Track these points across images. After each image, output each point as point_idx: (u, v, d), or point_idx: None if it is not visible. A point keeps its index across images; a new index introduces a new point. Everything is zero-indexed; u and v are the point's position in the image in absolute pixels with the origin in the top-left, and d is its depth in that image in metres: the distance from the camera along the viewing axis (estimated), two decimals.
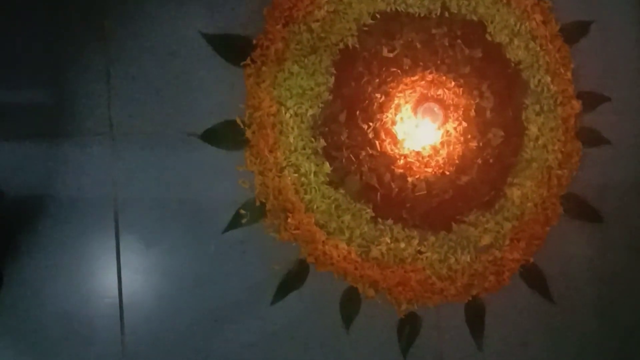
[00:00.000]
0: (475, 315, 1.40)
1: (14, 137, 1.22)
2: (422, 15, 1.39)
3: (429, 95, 1.38)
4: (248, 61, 1.32)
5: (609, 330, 1.47)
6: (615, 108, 1.51)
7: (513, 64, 1.43)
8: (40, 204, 1.22)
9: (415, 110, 1.36)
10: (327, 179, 1.34)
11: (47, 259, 1.23)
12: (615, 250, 1.49)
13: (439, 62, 1.39)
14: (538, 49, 1.44)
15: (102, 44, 1.26)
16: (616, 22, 1.52)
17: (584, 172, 1.49)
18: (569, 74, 1.46)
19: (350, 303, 1.36)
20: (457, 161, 1.39)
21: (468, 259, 1.40)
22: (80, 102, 1.25)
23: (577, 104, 1.45)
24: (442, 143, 1.38)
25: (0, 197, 1.19)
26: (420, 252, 1.38)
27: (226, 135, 1.30)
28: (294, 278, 1.33)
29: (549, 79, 1.44)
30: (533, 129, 1.43)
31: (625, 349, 1.46)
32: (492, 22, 1.42)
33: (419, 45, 1.37)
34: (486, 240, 1.40)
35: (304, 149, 1.32)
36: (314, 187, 1.32)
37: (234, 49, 1.31)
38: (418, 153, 1.37)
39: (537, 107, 1.44)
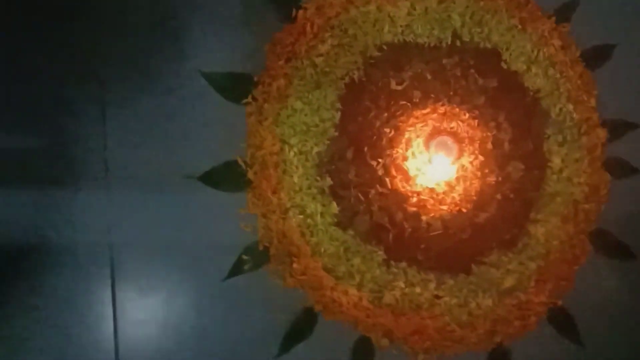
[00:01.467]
0: None
1: (6, 183, 1.19)
2: (431, 45, 1.33)
3: (442, 128, 1.31)
4: (249, 99, 1.28)
5: None
6: None
7: (532, 93, 1.36)
8: (33, 253, 1.19)
9: (427, 144, 1.29)
10: (335, 220, 1.27)
11: (39, 310, 1.19)
12: None
13: (451, 93, 1.32)
14: (558, 75, 1.37)
15: (98, 87, 1.23)
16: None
17: (613, 205, 1.39)
18: (592, 100, 1.39)
19: (363, 354, 1.29)
20: (474, 197, 1.32)
21: (490, 303, 1.31)
22: (76, 146, 1.22)
23: (602, 133, 1.37)
24: (457, 179, 1.31)
25: None
26: (437, 297, 1.29)
27: (227, 177, 1.26)
28: (300, 328, 1.26)
29: (571, 107, 1.37)
30: (556, 161, 1.35)
31: None
32: (507, 50, 1.36)
33: (429, 77, 1.31)
34: (509, 282, 1.32)
35: (310, 188, 1.26)
36: (321, 229, 1.26)
37: (235, 86, 1.28)
38: (432, 190, 1.31)
39: (560, 137, 1.36)
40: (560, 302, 1.34)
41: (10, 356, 1.16)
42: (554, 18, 1.39)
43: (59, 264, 1.19)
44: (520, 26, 1.37)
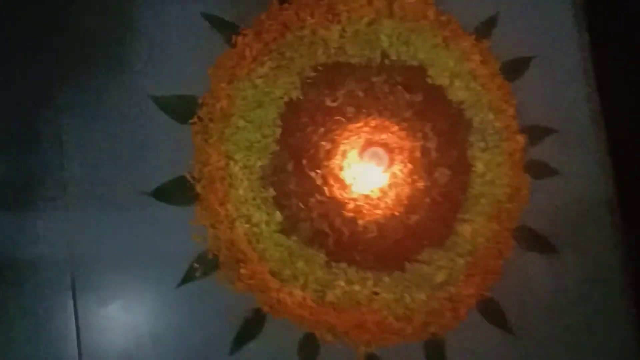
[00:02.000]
0: (435, 352, 1.43)
1: None
2: (362, 64, 1.44)
3: (374, 140, 1.42)
4: (195, 119, 1.37)
5: (569, 355, 1.49)
6: (562, 139, 1.55)
7: (455, 104, 1.47)
8: None
9: (361, 155, 1.40)
10: (279, 228, 1.37)
11: (5, 324, 1.26)
12: (570, 279, 1.51)
13: (381, 108, 1.44)
14: (479, 88, 1.49)
15: (53, 112, 1.32)
16: (557, 55, 1.57)
17: (535, 204, 1.51)
18: (511, 109, 1.51)
19: (308, 349, 1.38)
20: (405, 202, 1.43)
21: (424, 297, 1.42)
22: (34, 170, 1.31)
23: (521, 139, 1.49)
24: (389, 185, 1.42)
25: None
26: (375, 294, 1.40)
27: (177, 192, 1.35)
28: (250, 327, 1.36)
29: (492, 116, 1.49)
30: (480, 166, 1.47)
31: None
32: (432, 66, 1.47)
33: (361, 94, 1.43)
34: (440, 277, 1.43)
35: (255, 199, 1.36)
36: (266, 237, 1.36)
37: (181, 108, 1.37)
38: (367, 196, 1.41)
39: (482, 144, 1.48)
40: (488, 294, 1.45)
41: None
42: (474, 35, 1.51)
43: (21, 280, 1.27)
44: (443, 44, 1.48)
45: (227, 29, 1.41)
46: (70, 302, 1.29)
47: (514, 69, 1.54)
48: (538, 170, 1.53)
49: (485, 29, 1.53)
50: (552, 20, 1.58)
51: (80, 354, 1.29)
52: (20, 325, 1.26)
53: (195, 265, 1.34)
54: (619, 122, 1.58)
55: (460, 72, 1.48)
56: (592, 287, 1.51)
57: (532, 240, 1.50)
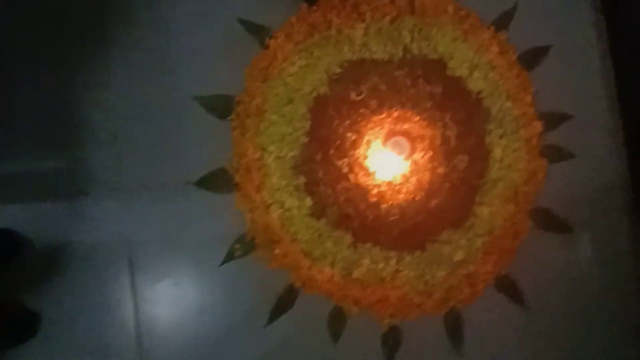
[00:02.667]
0: (453, 325, 1.55)
1: (39, 198, 1.46)
2: (385, 59, 1.54)
3: (396, 130, 1.53)
4: (233, 116, 1.52)
5: (582, 332, 1.57)
6: (578, 124, 1.60)
7: (474, 94, 1.56)
8: (64, 253, 1.46)
9: (384, 144, 1.52)
10: (309, 212, 1.51)
11: (74, 298, 1.46)
12: (584, 258, 1.59)
13: (403, 99, 1.54)
14: (497, 77, 1.58)
15: (108, 113, 1.50)
16: (573, 45, 1.62)
17: (552, 186, 1.59)
18: (529, 97, 1.59)
19: (336, 320, 1.52)
20: (426, 186, 1.54)
21: (443, 274, 1.54)
22: (93, 164, 1.49)
23: (538, 125, 1.58)
24: (411, 171, 1.54)
25: (31, 249, 1.43)
26: (398, 271, 1.53)
27: (218, 181, 1.51)
28: (284, 301, 1.51)
29: (509, 104, 1.57)
30: (497, 151, 1.56)
31: (597, 350, 1.57)
32: (452, 58, 1.56)
33: (383, 87, 1.54)
34: (459, 256, 1.54)
35: (287, 186, 1.51)
36: (298, 220, 1.51)
37: (221, 106, 1.52)
38: (389, 183, 1.53)
39: (500, 131, 1.57)
40: (505, 271, 1.56)
41: (54, 334, 1.45)
42: (492, 27, 1.59)
43: (84, 261, 1.47)
44: (462, 37, 1.57)
45: (260, 32, 1.53)
46: (128, 280, 1.47)
47: (531, 58, 1.61)
48: (554, 154, 1.60)
49: (503, 21, 1.60)
50: (568, 10, 1.63)
51: (137, 323, 1.47)
52: (85, 300, 1.45)
53: (236, 246, 1.49)
54: (635, 108, 1.62)
55: (479, 63, 1.57)
56: (604, 266, 1.59)
57: (548, 220, 1.59)
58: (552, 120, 1.60)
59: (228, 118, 1.52)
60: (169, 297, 1.49)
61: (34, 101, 1.50)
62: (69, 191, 1.48)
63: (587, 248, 1.60)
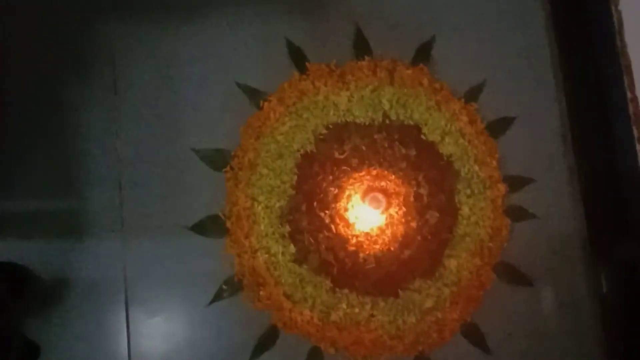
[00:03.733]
0: None
1: (46, 235, 1.60)
2: (366, 123, 1.72)
3: (374, 186, 1.67)
4: (228, 168, 1.67)
5: None
6: (539, 187, 1.75)
7: (445, 157, 1.72)
8: (66, 286, 1.58)
9: (363, 198, 1.66)
10: (293, 258, 1.65)
11: (72, 328, 1.58)
12: (545, 308, 1.71)
13: (381, 159, 1.69)
14: (466, 144, 1.74)
15: (114, 162, 1.65)
16: (536, 116, 1.77)
17: (515, 243, 1.73)
18: (494, 162, 1.74)
19: (314, 359, 1.64)
20: (400, 239, 1.67)
21: (414, 320, 1.66)
22: (98, 206, 1.63)
23: (502, 187, 1.74)
24: (387, 224, 1.68)
25: (38, 281, 1.57)
26: (372, 315, 1.65)
27: (211, 226, 1.65)
28: (266, 340, 1.62)
29: (477, 167, 1.73)
30: (465, 209, 1.72)
31: None
32: (426, 125, 1.73)
33: (364, 148, 1.69)
34: (429, 303, 1.67)
35: (273, 234, 1.65)
36: (282, 265, 1.64)
37: (217, 159, 1.68)
38: (367, 233, 1.67)
39: (468, 191, 1.72)
40: (470, 319, 1.70)
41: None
42: (463, 99, 1.77)
43: (86, 293, 1.59)
44: (436, 106, 1.74)
45: (256, 95, 1.70)
46: (123, 314, 1.59)
47: (498, 127, 1.77)
48: (517, 214, 1.75)
49: (473, 93, 1.77)
50: (533, 85, 1.79)
51: (129, 356, 1.59)
52: (83, 331, 1.56)
53: (224, 286, 1.63)
54: (591, 175, 1.78)
55: (450, 130, 1.74)
56: (564, 316, 1.71)
57: (511, 274, 1.72)
58: (516, 183, 1.75)
59: (223, 170, 1.67)
60: (161, 332, 1.61)
61: (47, 144, 1.66)
62: (74, 230, 1.62)
63: (548, 300, 1.72)
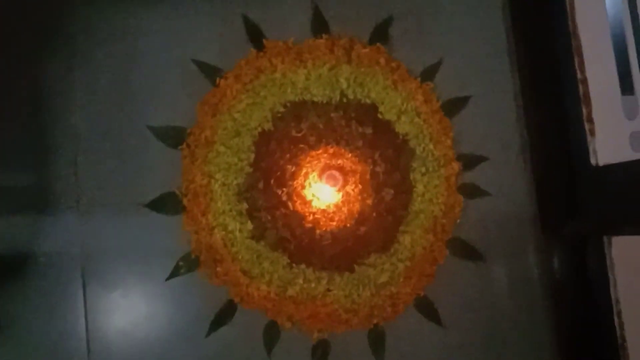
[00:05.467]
0: (376, 339, 1.72)
1: (3, 211, 1.60)
2: (324, 102, 1.74)
3: (331, 164, 1.71)
4: (184, 145, 1.68)
5: (493, 346, 1.76)
6: (493, 165, 1.81)
7: (401, 136, 1.76)
8: (24, 263, 1.58)
9: (320, 176, 1.70)
10: (250, 235, 1.67)
11: (30, 303, 1.58)
12: (496, 282, 1.78)
13: (338, 138, 1.72)
14: (422, 122, 1.78)
15: (70, 136, 1.64)
16: (490, 95, 1.82)
17: (467, 219, 1.79)
18: (449, 141, 1.79)
19: (271, 333, 1.67)
20: (356, 215, 1.72)
21: (369, 294, 1.71)
22: (54, 183, 1.62)
23: (456, 165, 1.78)
24: (343, 202, 1.72)
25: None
26: (328, 290, 1.70)
27: (168, 204, 1.66)
28: (224, 315, 1.65)
29: (432, 146, 1.78)
30: (420, 187, 1.76)
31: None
32: (382, 104, 1.76)
33: (321, 126, 1.72)
34: (383, 278, 1.72)
35: (231, 211, 1.67)
36: (239, 242, 1.67)
37: (173, 136, 1.68)
38: (324, 210, 1.71)
39: (423, 169, 1.77)
40: (422, 293, 1.75)
41: (12, 337, 1.57)
42: (419, 79, 1.80)
43: (43, 270, 1.59)
44: (392, 86, 1.78)
45: (212, 72, 1.71)
46: (81, 290, 1.60)
47: (453, 106, 1.82)
48: (470, 191, 1.81)
49: (429, 73, 1.81)
50: (488, 65, 1.83)
51: (87, 330, 1.60)
52: (39, 308, 1.57)
53: (181, 263, 1.65)
54: (543, 153, 1.84)
55: (406, 109, 1.77)
56: (513, 290, 1.78)
57: (463, 249, 1.78)
58: (470, 161, 1.80)
59: (179, 147, 1.68)
60: (119, 307, 1.62)
61: (1, 120, 1.63)
62: (31, 205, 1.61)
63: (499, 275, 1.79)
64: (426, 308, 1.76)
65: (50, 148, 1.63)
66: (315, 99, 1.73)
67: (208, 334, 1.64)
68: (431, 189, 1.76)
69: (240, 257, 1.67)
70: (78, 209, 1.63)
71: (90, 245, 1.62)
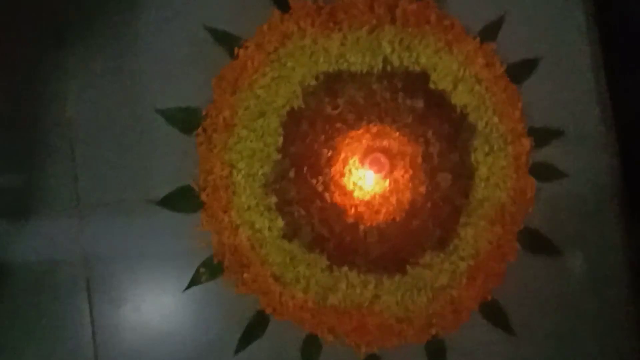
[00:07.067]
0: (436, 353, 1.47)
1: None
2: (363, 71, 1.46)
3: (375, 146, 1.45)
4: (199, 130, 1.44)
5: (573, 357, 1.51)
6: (570, 140, 1.54)
7: (459, 109, 1.49)
8: (16, 275, 1.38)
9: (362, 161, 1.44)
10: (281, 233, 1.43)
11: (24, 326, 1.38)
12: (575, 281, 1.52)
13: (382, 114, 1.46)
14: (483, 91, 1.50)
15: (66, 128, 1.42)
16: (564, 56, 1.55)
17: (541, 206, 1.52)
18: (517, 112, 1.51)
19: (311, 349, 1.44)
20: (407, 207, 1.46)
21: (425, 300, 1.46)
22: (50, 181, 1.41)
23: (527, 142, 1.50)
24: (390, 191, 1.46)
25: None
26: (376, 296, 1.45)
27: (182, 200, 1.43)
28: (254, 328, 1.43)
29: (496, 119, 1.50)
30: (483, 170, 1.49)
31: None
32: (435, 71, 1.49)
33: (361, 101, 1.46)
34: (442, 280, 1.47)
35: (257, 206, 1.43)
36: (269, 242, 1.43)
37: (186, 120, 1.44)
38: (368, 202, 1.45)
39: (487, 148, 1.49)
40: (490, 297, 1.48)
41: None
42: (478, 38, 1.51)
43: (39, 283, 1.39)
44: (446, 48, 1.49)
45: (229, 41, 1.46)
46: (86, 304, 1.38)
47: (520, 71, 1.53)
48: (544, 172, 1.53)
49: (490, 31, 1.52)
50: (560, 20, 1.56)
51: (95, 352, 1.38)
52: (38, 327, 1.37)
53: (201, 269, 1.42)
54: (630, 123, 1.57)
55: (464, 76, 1.49)
56: (596, 290, 1.52)
57: (537, 242, 1.51)
58: (542, 136, 1.53)
59: (194, 132, 1.44)
60: (130, 323, 1.41)
61: None
62: (21, 209, 1.41)
63: (579, 271, 1.54)
64: (495, 314, 1.50)
65: (41, 142, 1.42)
66: (353, 69, 1.47)
67: (237, 352, 1.41)
68: (497, 172, 1.49)
69: (270, 260, 1.43)
70: (78, 210, 1.42)
71: (94, 252, 1.41)
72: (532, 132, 1.52)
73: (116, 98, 1.43)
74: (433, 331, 1.47)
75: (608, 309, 1.52)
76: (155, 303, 1.42)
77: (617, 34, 1.59)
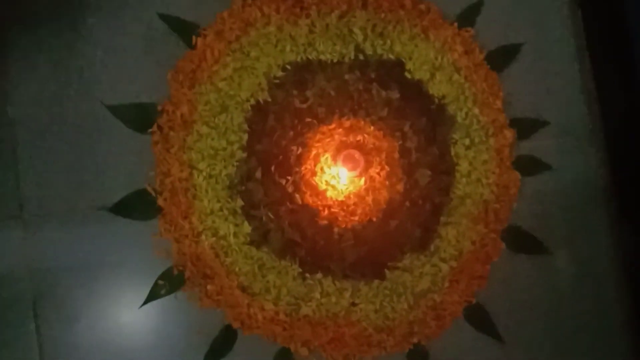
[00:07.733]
0: None
1: None
2: (334, 61, 1.37)
3: (348, 142, 1.36)
4: (155, 128, 1.32)
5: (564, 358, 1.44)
6: (555, 131, 1.47)
7: (437, 100, 1.40)
8: None
9: (335, 159, 1.34)
10: (248, 240, 1.33)
11: None
12: (563, 282, 1.46)
13: (355, 107, 1.37)
14: (462, 80, 1.42)
15: (7, 128, 1.30)
16: (548, 42, 1.49)
17: (526, 202, 1.45)
18: (498, 102, 1.44)
19: None
20: (384, 206, 1.37)
21: (405, 307, 1.38)
22: None
23: (509, 133, 1.43)
24: (366, 189, 1.37)
25: None
26: (353, 305, 1.36)
27: (137, 205, 1.32)
28: (221, 344, 1.32)
29: (477, 110, 1.42)
30: (464, 164, 1.41)
31: None
32: (410, 59, 1.40)
33: (332, 93, 1.36)
34: (423, 284, 1.38)
35: (221, 210, 1.32)
36: (235, 249, 1.33)
37: (139, 117, 1.33)
38: (342, 202, 1.36)
39: (467, 141, 1.41)
40: (474, 300, 1.40)
41: None
42: (456, 24, 1.42)
43: None
44: (422, 35, 1.41)
45: (186, 30, 1.35)
46: (32, 324, 1.27)
47: (500, 58, 1.45)
48: (528, 166, 1.45)
49: (468, 16, 1.44)
50: (541, 3, 1.49)
51: None
52: None
53: (160, 282, 1.31)
54: (616, 111, 1.51)
55: (442, 64, 1.41)
56: (584, 289, 1.45)
57: (522, 241, 1.44)
58: (526, 127, 1.45)
59: (149, 131, 1.32)
60: (83, 342, 1.30)
61: None
62: None
63: (566, 269, 1.47)
64: (480, 319, 1.41)
65: None
66: (322, 58, 1.37)
67: None
68: (478, 166, 1.41)
69: (237, 269, 1.32)
70: (21, 219, 1.29)
71: (41, 265, 1.29)
72: (514, 123, 1.45)
73: (63, 95, 1.32)
74: (415, 339, 1.39)
75: (598, 309, 1.47)
76: (112, 320, 1.31)
77: (602, 18, 1.52)
